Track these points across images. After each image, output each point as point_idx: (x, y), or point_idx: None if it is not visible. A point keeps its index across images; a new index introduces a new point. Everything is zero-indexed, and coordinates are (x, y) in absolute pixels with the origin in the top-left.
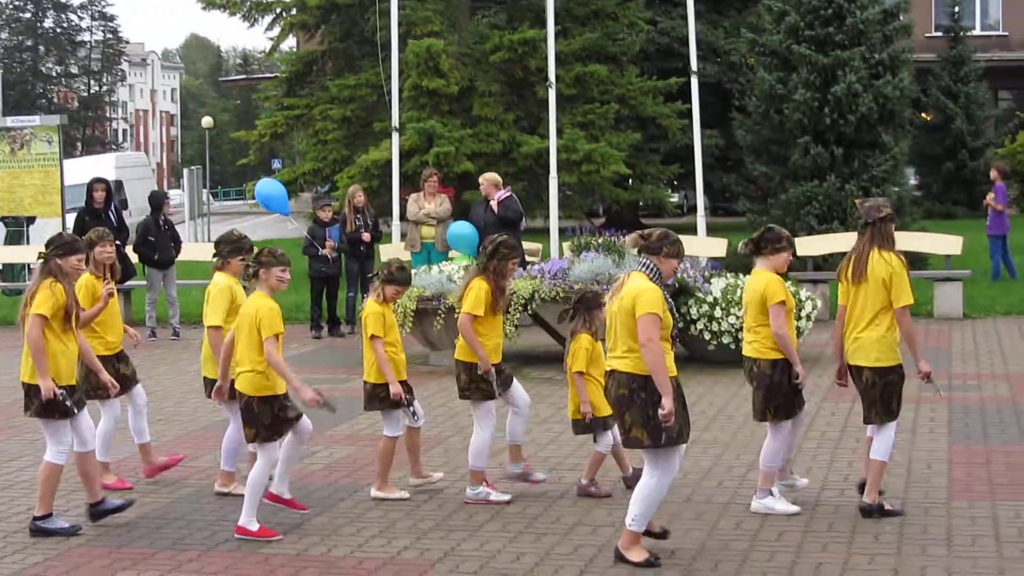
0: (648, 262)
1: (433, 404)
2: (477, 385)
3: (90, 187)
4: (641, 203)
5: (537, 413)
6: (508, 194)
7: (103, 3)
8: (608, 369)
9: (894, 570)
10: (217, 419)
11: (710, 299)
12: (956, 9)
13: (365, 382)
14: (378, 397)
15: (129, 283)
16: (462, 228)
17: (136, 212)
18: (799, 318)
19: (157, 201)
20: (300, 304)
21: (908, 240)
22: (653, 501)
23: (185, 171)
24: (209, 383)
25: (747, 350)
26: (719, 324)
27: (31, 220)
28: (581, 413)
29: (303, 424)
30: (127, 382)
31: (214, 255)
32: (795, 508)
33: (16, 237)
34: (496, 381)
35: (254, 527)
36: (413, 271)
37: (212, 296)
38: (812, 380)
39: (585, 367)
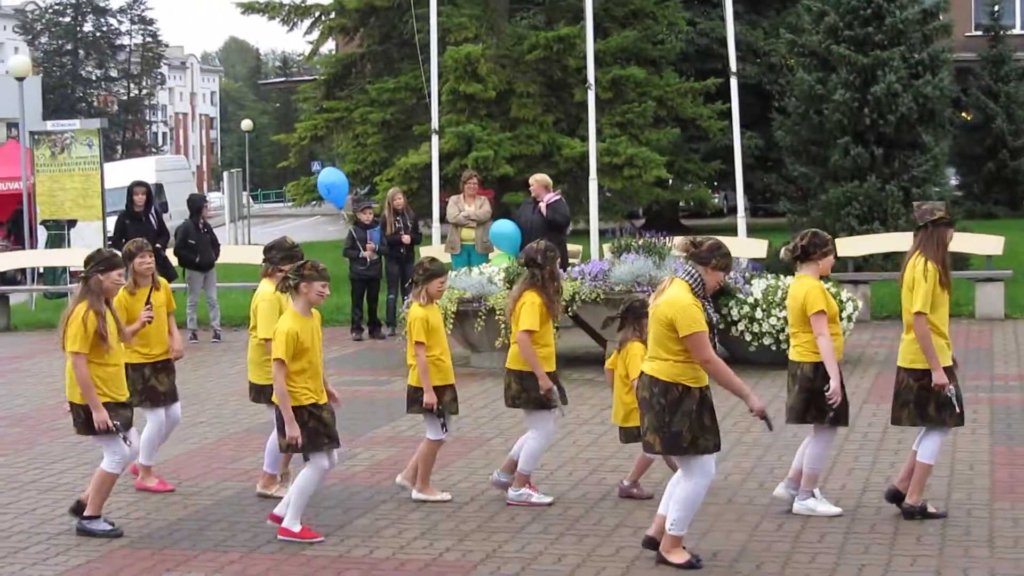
0: (694, 271)
1: (475, 406)
2: (529, 394)
3: (131, 190)
4: (681, 203)
5: (578, 415)
6: (557, 197)
7: (143, 7)
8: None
9: (936, 572)
10: (259, 421)
11: (751, 300)
12: (996, 8)
13: (408, 385)
14: (420, 401)
15: (170, 286)
16: (505, 227)
17: (176, 215)
18: (840, 319)
19: (196, 205)
20: (341, 306)
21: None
22: (691, 505)
23: (225, 174)
24: (254, 387)
25: (791, 353)
26: (760, 325)
27: (72, 224)
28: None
29: (331, 458)
30: (162, 397)
31: (264, 260)
32: (837, 510)
33: (57, 240)
34: (557, 397)
35: (297, 528)
36: (453, 273)
37: (261, 309)
38: (853, 382)
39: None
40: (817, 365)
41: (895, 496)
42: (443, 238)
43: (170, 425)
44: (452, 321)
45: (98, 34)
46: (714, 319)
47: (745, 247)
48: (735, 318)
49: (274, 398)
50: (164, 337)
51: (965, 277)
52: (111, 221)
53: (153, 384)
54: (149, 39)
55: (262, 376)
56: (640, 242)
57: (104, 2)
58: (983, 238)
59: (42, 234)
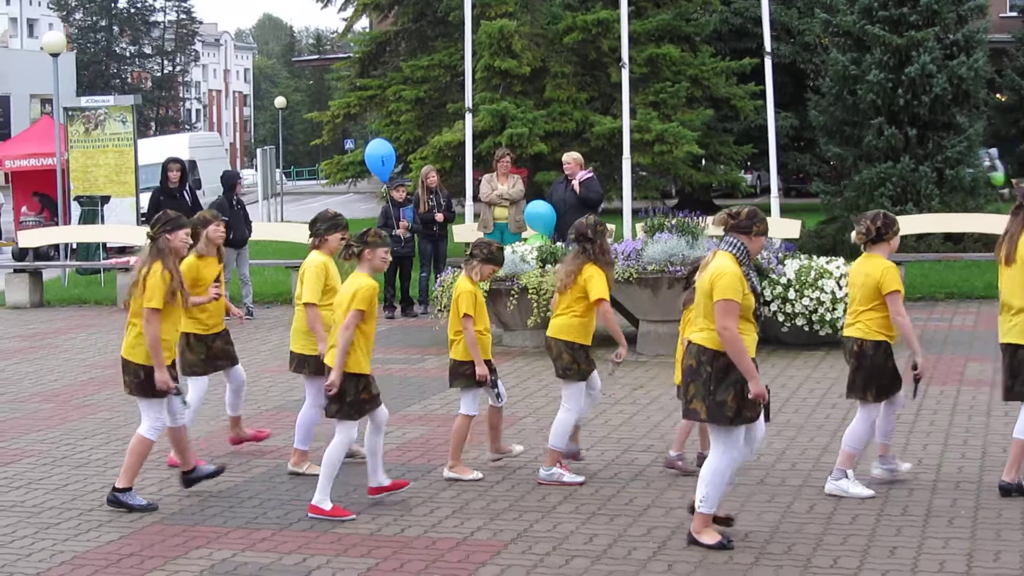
0: (735, 241)
1: (507, 384)
2: (579, 367)
3: (165, 167)
4: (714, 184)
5: (611, 394)
6: (590, 174)
7: None
8: (686, 339)
9: (968, 554)
10: (291, 399)
11: (784, 281)
12: None
13: (451, 359)
14: (463, 374)
15: None
16: (539, 208)
17: (209, 192)
18: (760, 315)
19: (230, 181)
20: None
21: (982, 222)
22: (720, 481)
23: (258, 151)
24: (296, 357)
25: (851, 331)
26: (793, 306)
27: (105, 200)
28: None
29: (380, 412)
30: (222, 361)
31: (311, 234)
32: (870, 492)
33: (91, 217)
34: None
35: (327, 506)
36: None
37: (307, 274)
38: None
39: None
40: (879, 343)
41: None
42: (476, 216)
43: (239, 385)
44: (485, 300)
45: (132, 10)
46: (759, 288)
47: (778, 227)
48: (768, 298)
49: (328, 360)
50: (222, 308)
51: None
52: (144, 197)
53: (216, 351)
54: (183, 16)
55: (306, 346)
56: (673, 221)
57: None
58: None
59: (75, 210)
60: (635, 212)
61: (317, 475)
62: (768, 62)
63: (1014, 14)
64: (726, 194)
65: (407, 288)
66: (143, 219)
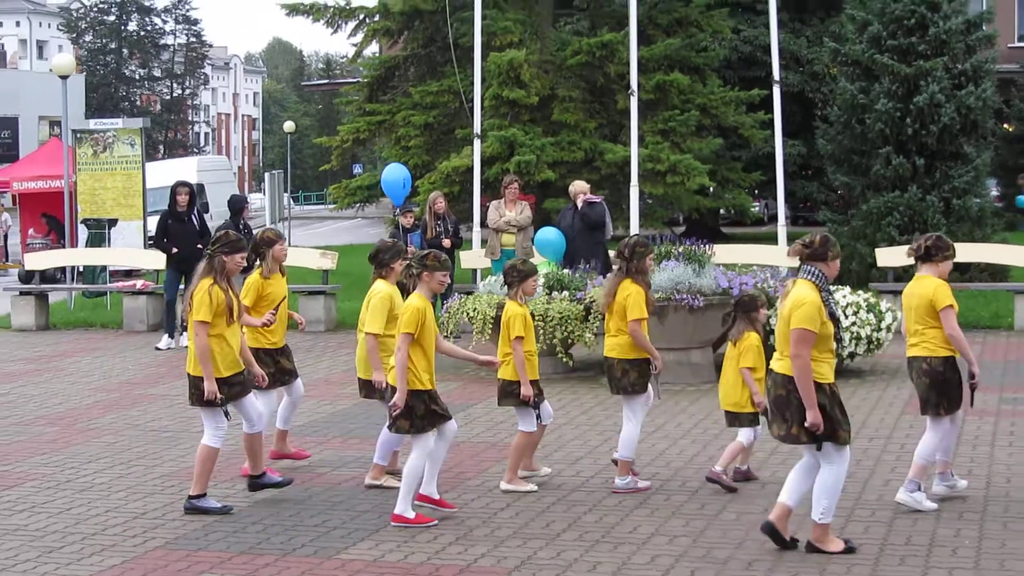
0: (813, 269)
1: (511, 411)
2: (643, 381)
3: (174, 190)
4: (722, 211)
5: (616, 422)
6: (598, 200)
7: (187, 7)
8: (769, 368)
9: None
10: (297, 424)
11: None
12: None
13: (500, 379)
14: (512, 394)
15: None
16: (549, 234)
17: (217, 216)
18: (879, 329)
19: (237, 205)
20: None
21: (989, 252)
22: (834, 492)
23: (266, 175)
24: (365, 384)
25: (916, 351)
26: None
27: (112, 223)
28: (755, 404)
29: (449, 426)
30: (288, 375)
31: (376, 264)
32: (933, 505)
33: (98, 240)
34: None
35: (410, 515)
36: (492, 278)
37: (372, 304)
38: (892, 392)
39: (754, 364)
40: (947, 359)
41: None
42: (484, 243)
43: (297, 398)
44: (491, 326)
45: (142, 33)
46: (837, 313)
47: (785, 256)
48: (775, 327)
49: (391, 379)
50: (284, 327)
51: (1005, 289)
52: (152, 220)
53: (281, 365)
54: (193, 39)
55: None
56: (680, 249)
57: (149, 1)
58: (1023, 250)
59: (83, 233)
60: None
61: (393, 487)
62: (777, 90)
63: (1022, 45)
64: (734, 221)
65: None
66: (150, 243)
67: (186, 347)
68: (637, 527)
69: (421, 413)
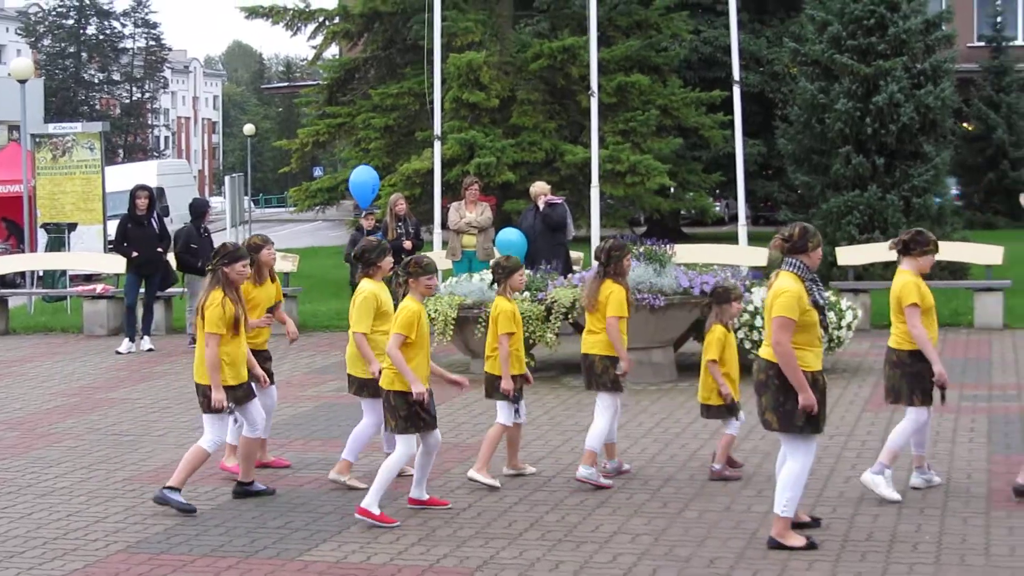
0: (794, 261)
1: (474, 412)
2: (610, 378)
3: (133, 194)
4: (683, 211)
5: (577, 422)
6: (559, 200)
7: (146, 10)
8: (755, 355)
9: None
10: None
11: (751, 308)
12: (999, 19)
13: (486, 372)
14: (498, 388)
15: (169, 291)
16: (511, 235)
17: (178, 219)
18: (839, 328)
19: (200, 209)
20: (342, 311)
21: (949, 250)
22: (798, 484)
23: (227, 178)
24: (355, 380)
25: (890, 341)
26: (760, 333)
27: (72, 227)
28: (722, 396)
29: (432, 436)
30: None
31: (363, 264)
32: (897, 496)
33: (57, 244)
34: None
35: (376, 511)
36: (453, 279)
37: (358, 304)
38: (852, 390)
39: (717, 356)
40: (915, 352)
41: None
42: (444, 244)
43: (271, 406)
44: (452, 327)
45: (101, 37)
46: (822, 301)
47: (746, 255)
48: (736, 325)
49: (383, 382)
50: (268, 331)
51: (964, 287)
52: (112, 224)
53: (266, 368)
54: (152, 42)
55: (365, 371)
56: (641, 249)
57: (108, 5)
58: (983, 248)
59: (42, 237)
60: (603, 240)
61: (355, 487)
62: (737, 91)
63: (981, 44)
64: (695, 221)
65: None
66: (110, 246)
67: (148, 350)
68: (599, 526)
69: (404, 414)
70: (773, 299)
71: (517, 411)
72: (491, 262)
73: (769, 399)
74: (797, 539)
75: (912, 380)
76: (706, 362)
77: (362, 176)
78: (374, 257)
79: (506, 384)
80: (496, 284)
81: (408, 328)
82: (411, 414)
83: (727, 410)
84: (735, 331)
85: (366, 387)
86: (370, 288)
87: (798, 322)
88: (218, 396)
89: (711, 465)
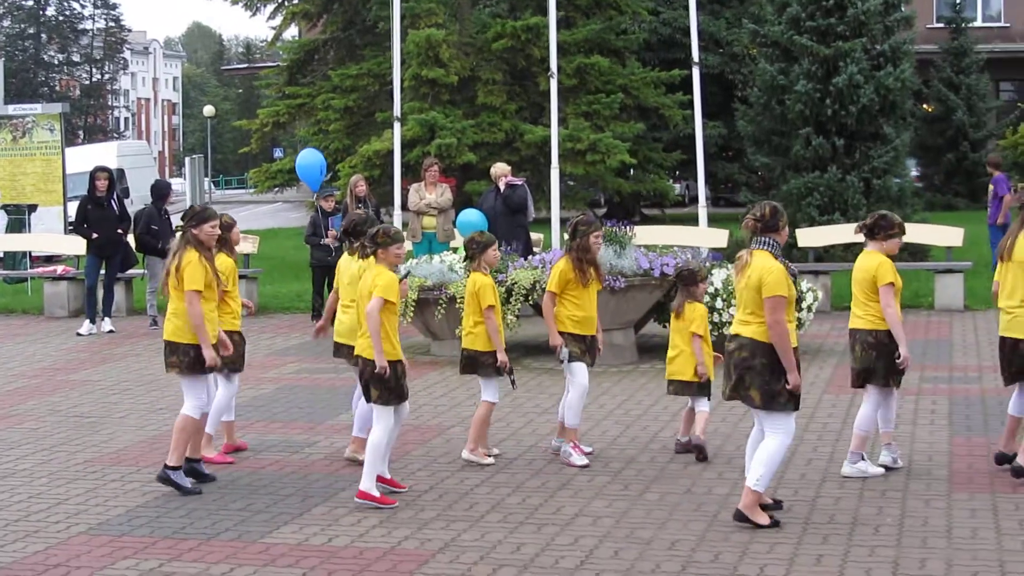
0: (767, 239)
1: (435, 394)
2: (580, 351)
3: (92, 175)
4: (643, 193)
5: (538, 404)
6: (520, 182)
7: None
8: (732, 333)
9: (894, 562)
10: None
11: (711, 290)
12: (958, 1)
13: (469, 349)
14: (486, 364)
15: (129, 272)
16: (471, 216)
17: (138, 200)
18: (800, 309)
19: (162, 191)
20: (302, 293)
21: (910, 232)
22: (775, 463)
23: (187, 160)
24: (337, 347)
25: (862, 323)
26: (720, 315)
27: (32, 208)
28: (698, 375)
29: (403, 407)
30: (236, 361)
31: (354, 239)
32: (880, 470)
33: (17, 225)
34: (568, 356)
35: (376, 493)
36: (413, 261)
37: (342, 283)
38: (813, 372)
39: (704, 332)
40: (889, 331)
41: (1002, 458)
42: (404, 226)
43: (234, 389)
44: (412, 309)
45: (61, 18)
46: (796, 274)
47: (706, 237)
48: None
49: (361, 350)
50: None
51: (925, 268)
52: (72, 206)
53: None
54: (112, 24)
55: (349, 337)
56: (602, 231)
57: None
58: (943, 229)
59: (2, 218)
60: (563, 221)
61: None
62: (696, 72)
63: (940, 25)
64: (655, 203)
65: None
66: (70, 228)
67: (109, 331)
68: (560, 508)
69: (391, 385)
70: (763, 277)
71: (513, 382)
72: (465, 238)
73: (754, 377)
74: (763, 517)
75: (889, 361)
76: (693, 335)
77: (307, 159)
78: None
79: (502, 357)
80: (471, 260)
81: (393, 294)
82: (397, 385)
83: (700, 387)
84: None
85: (341, 350)
86: (350, 262)
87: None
88: (210, 353)
89: (688, 438)
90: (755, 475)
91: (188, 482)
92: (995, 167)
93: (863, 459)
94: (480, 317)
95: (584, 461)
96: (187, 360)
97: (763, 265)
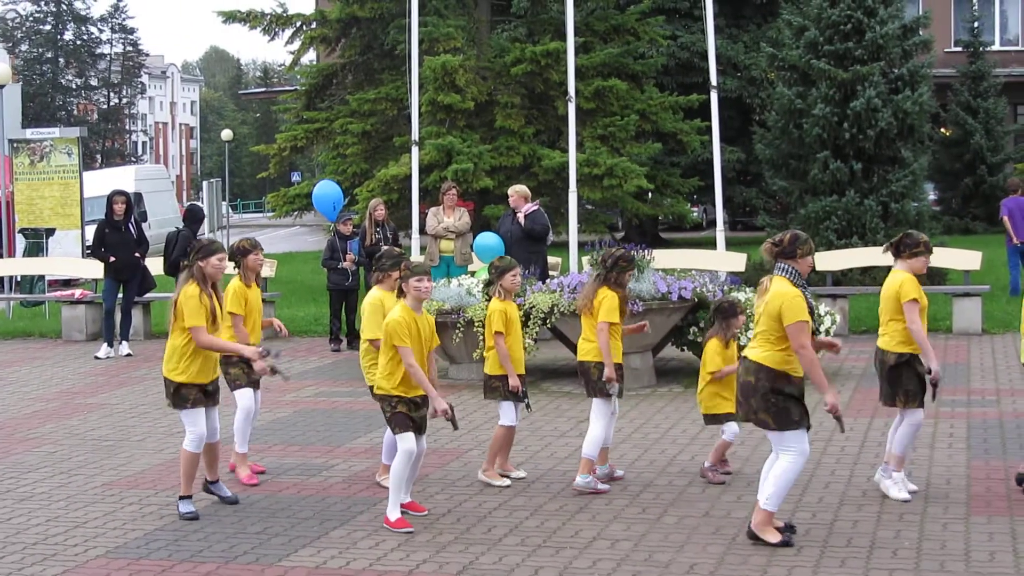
0: (785, 266)
1: None
2: (600, 385)
3: (110, 199)
4: (661, 217)
5: (556, 427)
6: (535, 207)
7: (123, 16)
8: (742, 356)
9: None
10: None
11: None
12: (976, 24)
13: (485, 373)
14: (494, 388)
15: (147, 296)
16: (489, 240)
17: (155, 224)
18: (817, 332)
19: (199, 215)
20: (319, 317)
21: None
22: (786, 481)
23: (204, 183)
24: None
25: (880, 342)
26: (737, 340)
27: (50, 232)
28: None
29: (417, 444)
30: (256, 383)
31: (375, 269)
32: (907, 496)
33: (35, 249)
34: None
35: (393, 517)
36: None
37: (366, 311)
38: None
39: (719, 368)
40: (900, 355)
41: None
42: (422, 250)
43: (257, 408)
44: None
45: (79, 42)
46: (814, 305)
47: (724, 260)
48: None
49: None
50: (260, 331)
51: (943, 292)
52: (89, 230)
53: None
54: (130, 48)
55: (369, 378)
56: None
57: (85, 11)
58: (961, 253)
59: (20, 242)
60: (582, 245)
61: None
62: (714, 96)
63: (958, 49)
64: (673, 227)
65: (353, 321)
66: (88, 252)
67: (127, 355)
68: (579, 531)
69: (388, 416)
70: (782, 304)
71: (528, 406)
72: (489, 264)
73: (759, 401)
74: (774, 535)
75: (895, 382)
76: (705, 374)
77: (323, 191)
78: (388, 266)
79: (513, 381)
80: (489, 284)
81: (392, 336)
82: (395, 415)
83: (726, 417)
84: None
85: (374, 393)
86: (377, 295)
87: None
88: (249, 350)
89: (704, 463)
90: (765, 494)
91: (189, 509)
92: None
93: (891, 477)
94: (492, 342)
95: (607, 487)
96: (168, 393)
97: (780, 291)
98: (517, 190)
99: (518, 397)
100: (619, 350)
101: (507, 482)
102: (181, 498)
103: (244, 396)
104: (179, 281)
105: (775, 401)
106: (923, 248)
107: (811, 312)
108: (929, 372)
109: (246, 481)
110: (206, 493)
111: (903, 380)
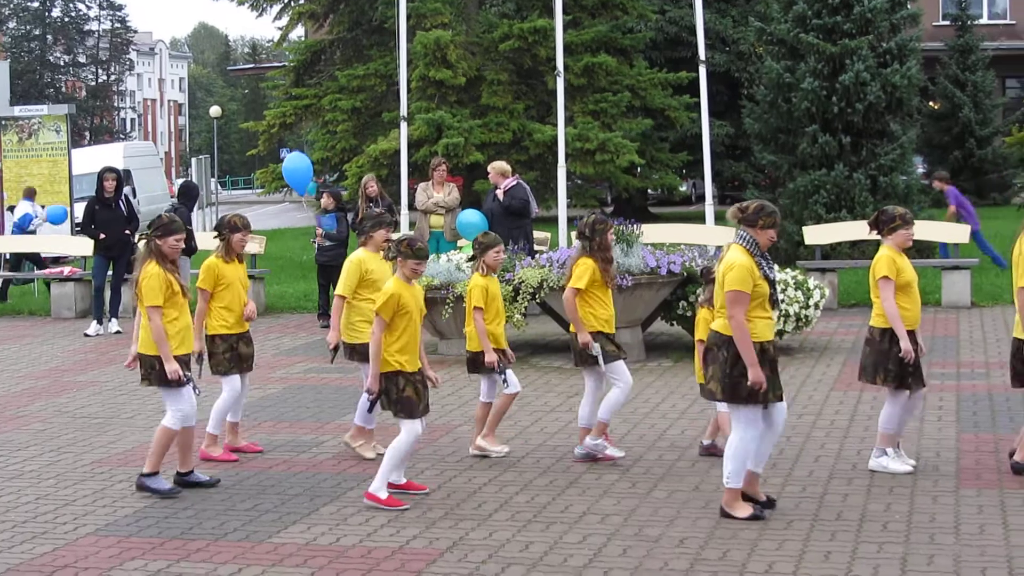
0: (745, 234)
1: (442, 393)
2: (607, 350)
3: (100, 176)
4: (650, 190)
5: (546, 402)
6: (515, 182)
7: None
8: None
9: (902, 559)
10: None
11: None
12: None
13: (467, 350)
14: (478, 363)
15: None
16: (471, 216)
17: (145, 201)
18: (807, 307)
19: (193, 192)
20: (308, 293)
21: (916, 229)
22: (742, 456)
23: (193, 160)
24: (346, 346)
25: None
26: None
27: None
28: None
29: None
30: (245, 362)
31: (358, 232)
32: (909, 467)
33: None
34: (600, 353)
35: (383, 495)
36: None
37: (345, 269)
38: (820, 369)
39: (705, 336)
40: (884, 331)
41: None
42: (412, 225)
43: (244, 393)
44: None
45: (66, 19)
46: (773, 276)
47: (713, 234)
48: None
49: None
50: (241, 305)
51: (931, 265)
52: (79, 207)
53: (239, 351)
54: (118, 24)
55: (352, 335)
56: None
57: None
58: (949, 226)
59: (8, 220)
60: (571, 220)
61: (368, 458)
62: (703, 71)
63: (947, 23)
64: (662, 201)
65: None
66: (77, 229)
67: (116, 332)
68: (569, 506)
69: (395, 397)
70: (725, 272)
71: (505, 382)
72: (476, 243)
73: (715, 370)
74: (743, 510)
75: (878, 359)
76: (697, 343)
77: (293, 163)
78: (368, 227)
79: (489, 357)
80: (473, 260)
81: (386, 311)
82: (401, 398)
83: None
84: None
85: (356, 352)
86: (359, 255)
87: (751, 294)
88: (172, 367)
89: (711, 441)
90: (725, 472)
91: (165, 484)
92: (945, 181)
93: (886, 454)
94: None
95: (621, 452)
96: (155, 372)
97: (731, 259)
98: (495, 167)
99: (494, 371)
100: (610, 318)
101: (506, 448)
102: (149, 475)
103: (231, 381)
104: (139, 258)
105: (729, 372)
106: (900, 222)
107: (769, 281)
108: (898, 351)
109: (221, 458)
110: (183, 487)
111: (887, 358)
